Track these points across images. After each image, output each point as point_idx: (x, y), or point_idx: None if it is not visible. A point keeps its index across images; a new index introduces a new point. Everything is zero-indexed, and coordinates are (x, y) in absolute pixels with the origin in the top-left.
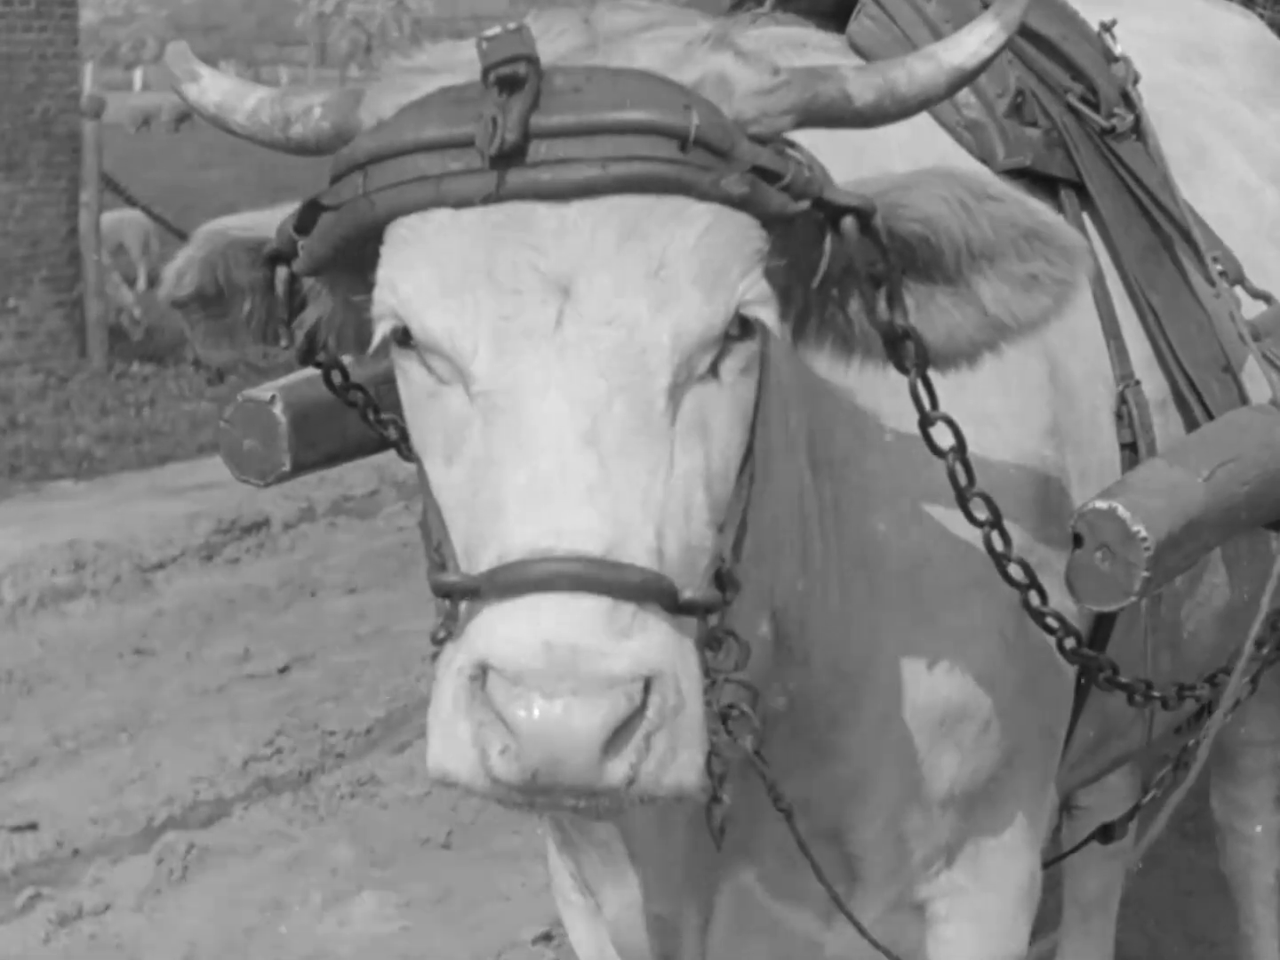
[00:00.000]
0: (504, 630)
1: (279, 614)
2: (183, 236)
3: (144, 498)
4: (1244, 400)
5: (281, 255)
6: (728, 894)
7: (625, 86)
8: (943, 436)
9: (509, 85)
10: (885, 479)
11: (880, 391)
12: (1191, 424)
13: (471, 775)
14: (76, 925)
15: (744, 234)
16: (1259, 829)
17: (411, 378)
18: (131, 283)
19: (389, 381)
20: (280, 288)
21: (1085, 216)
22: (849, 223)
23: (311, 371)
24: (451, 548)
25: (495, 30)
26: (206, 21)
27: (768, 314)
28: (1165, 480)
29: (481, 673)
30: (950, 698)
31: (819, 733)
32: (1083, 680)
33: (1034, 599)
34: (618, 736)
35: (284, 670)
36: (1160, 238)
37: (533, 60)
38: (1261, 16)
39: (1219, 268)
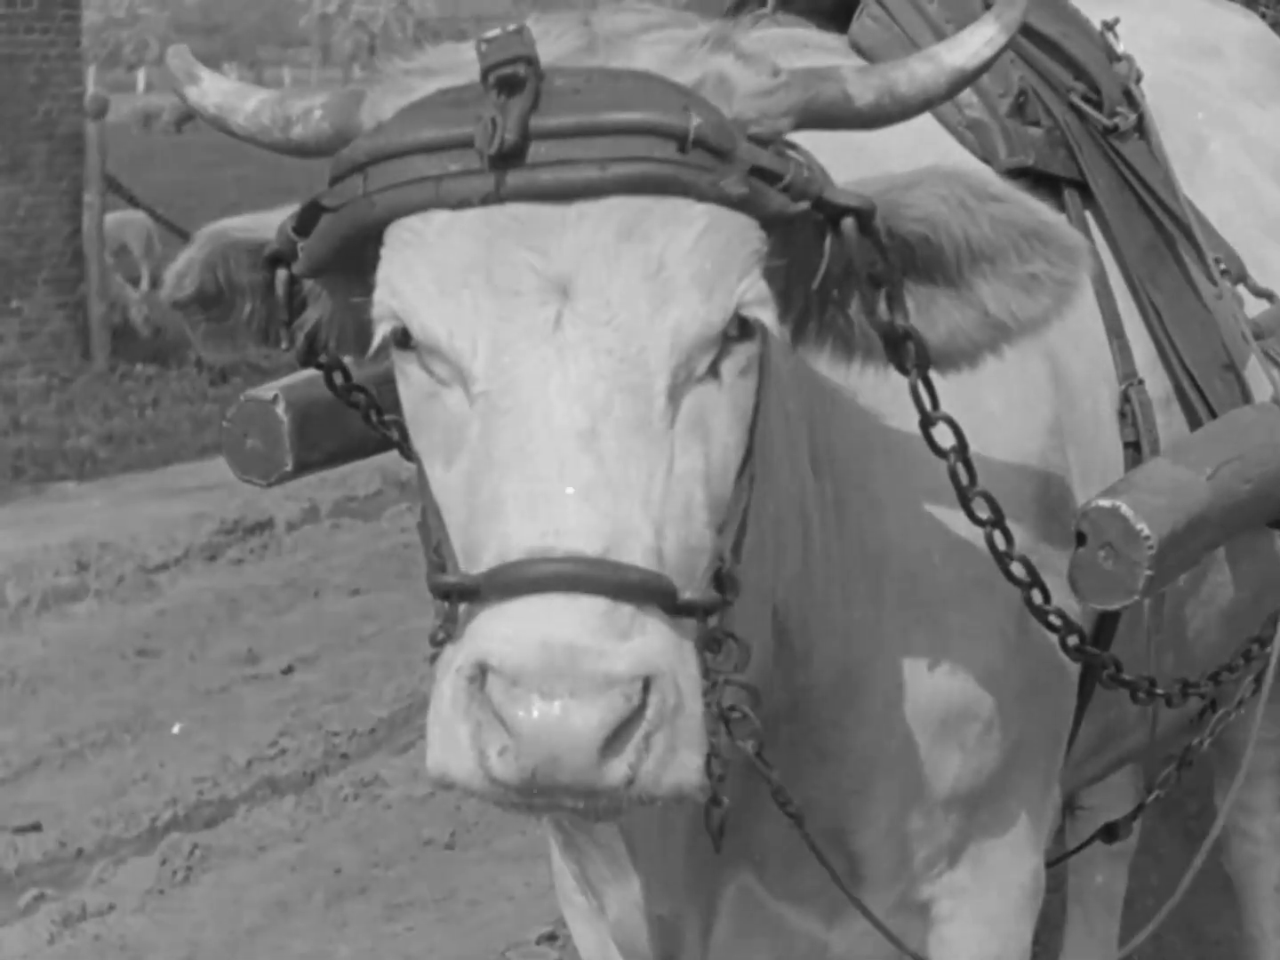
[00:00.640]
0: (502, 630)
1: (282, 615)
2: (185, 237)
3: (147, 498)
4: (1247, 399)
5: (281, 257)
6: (730, 895)
7: (625, 87)
8: (944, 437)
9: (508, 86)
10: (886, 479)
11: (881, 391)
12: (1194, 422)
13: (470, 776)
14: (80, 926)
15: (743, 235)
16: (1263, 828)
17: (411, 379)
18: (135, 283)
19: (390, 382)
20: (280, 289)
21: (1088, 216)
22: (849, 223)
23: (315, 371)
24: (450, 548)
25: (495, 32)
26: (209, 22)
27: (767, 315)
28: (1168, 479)
29: (480, 673)
30: (952, 697)
31: (821, 733)
32: (1086, 679)
33: (1036, 597)
34: (617, 737)
35: (287, 671)
36: (1163, 236)
37: (532, 61)
38: (1264, 16)
39: (1221, 266)
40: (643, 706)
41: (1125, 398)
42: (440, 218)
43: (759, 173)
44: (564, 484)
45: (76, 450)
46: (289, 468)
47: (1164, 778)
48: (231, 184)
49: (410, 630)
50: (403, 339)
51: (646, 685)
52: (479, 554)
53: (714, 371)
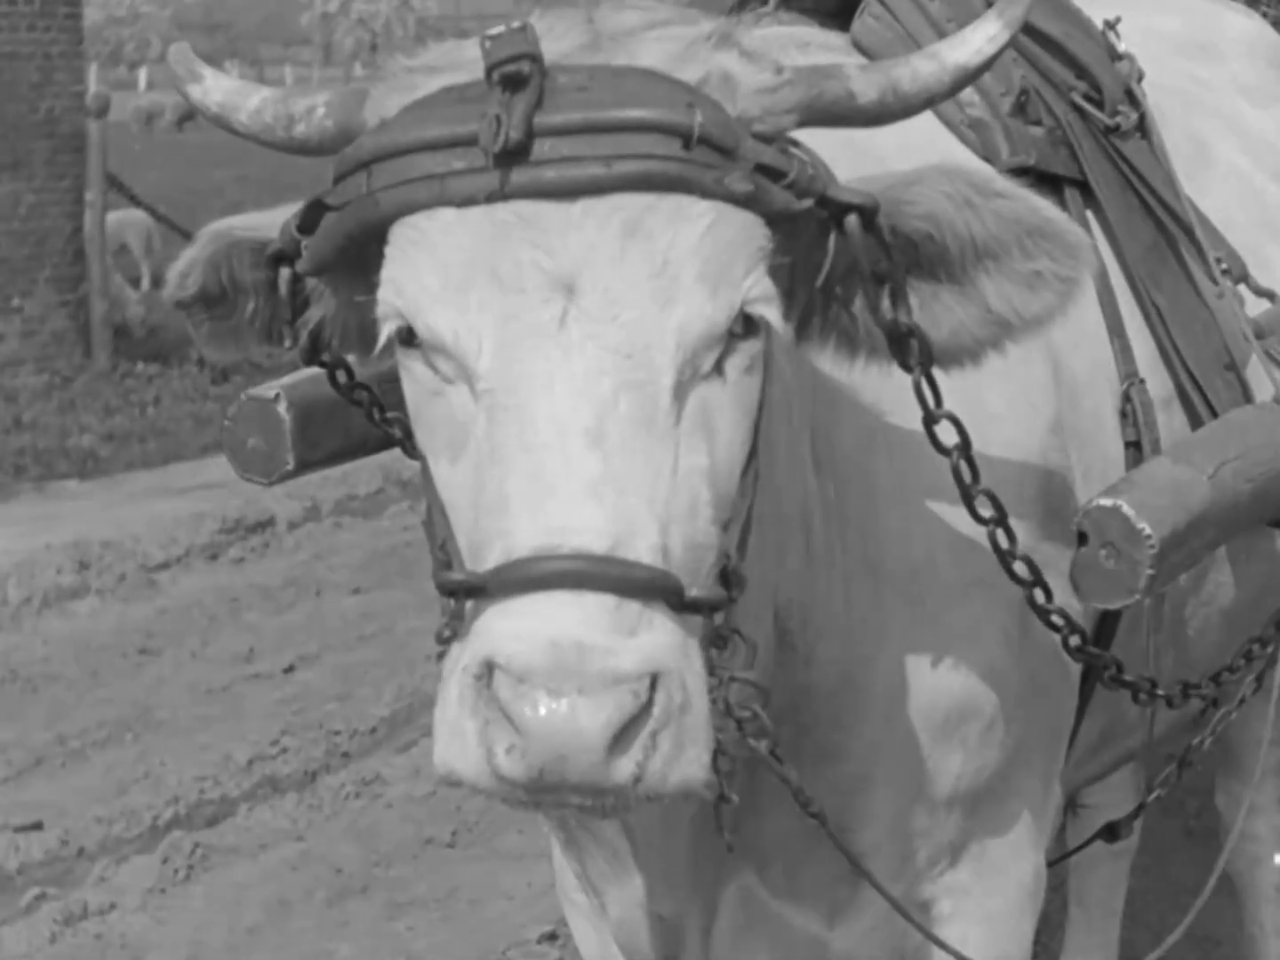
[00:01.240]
0: (509, 628)
1: (284, 613)
2: (187, 235)
3: (149, 497)
4: (1248, 398)
5: (285, 255)
6: (731, 894)
7: (629, 85)
8: (947, 435)
9: (512, 84)
10: (889, 477)
11: (883, 390)
12: (1195, 422)
13: (477, 773)
14: (82, 925)
15: (748, 232)
16: (1264, 828)
17: (416, 377)
18: (136, 283)
19: (393, 380)
20: (283, 288)
21: (1089, 215)
22: (852, 221)
23: (316, 370)
24: (456, 546)
25: (499, 29)
26: (210, 20)
27: (771, 312)
28: (1170, 478)
29: (487, 671)
30: (954, 696)
31: (822, 731)
32: (1087, 678)
33: (1039, 596)
34: (624, 734)
35: (289, 670)
36: (1164, 236)
37: (536, 59)
38: (1265, 15)
39: (1223, 266)
40: (650, 704)
41: (1126, 397)
42: (445, 215)
43: (763, 170)
44: (570, 481)
45: (78, 449)
46: (290, 466)
47: (1164, 777)
48: (233, 182)
49: (412, 629)
50: (407, 337)
51: (653, 683)
52: (485, 551)
53: (719, 369)
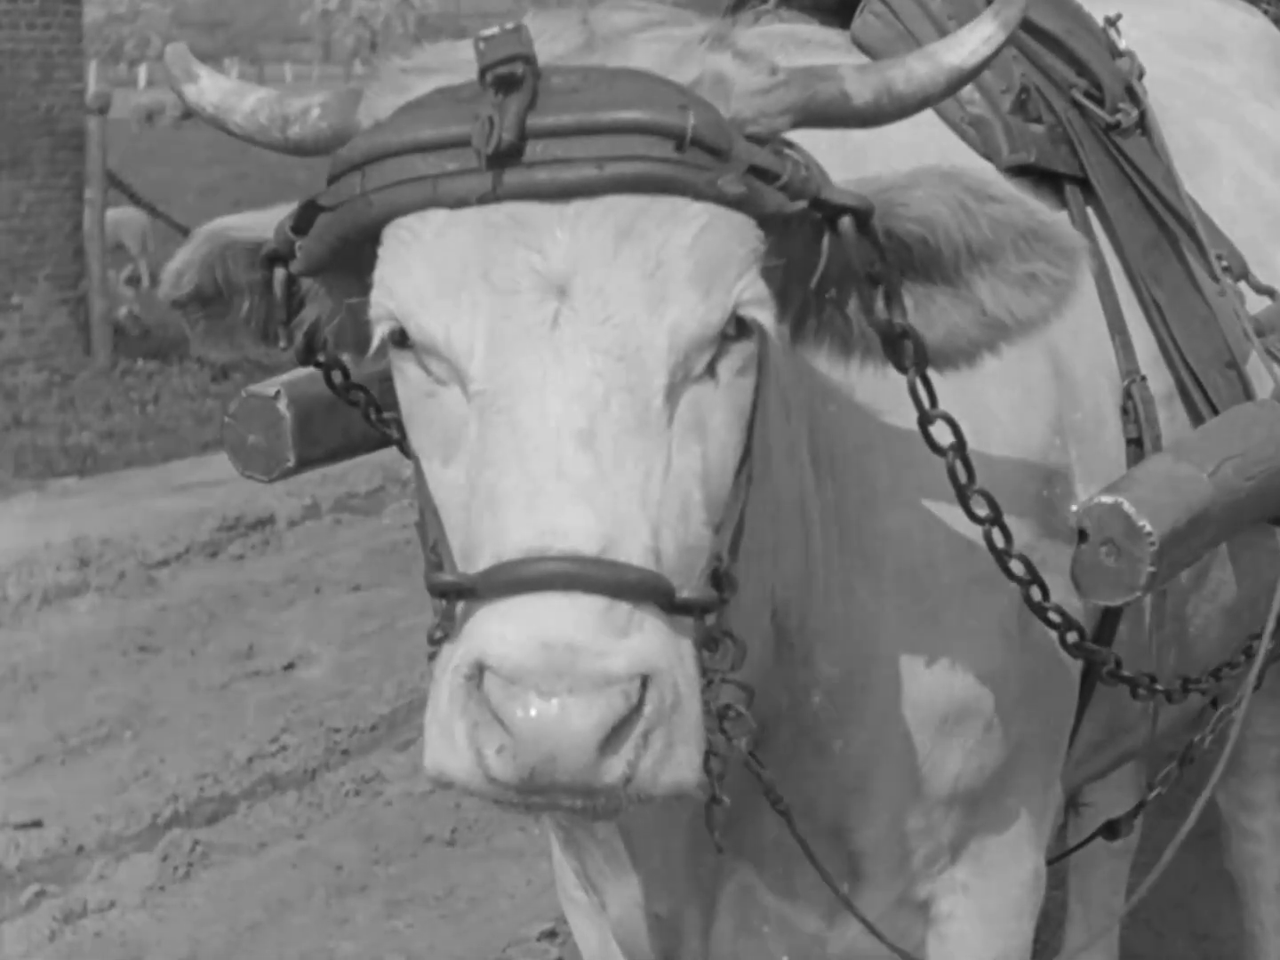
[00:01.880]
0: (500, 629)
1: (283, 611)
2: (186, 234)
3: (148, 495)
4: (1248, 395)
5: (279, 256)
6: (729, 893)
7: (622, 86)
8: (943, 435)
9: (506, 85)
10: (887, 476)
11: (881, 389)
12: (1196, 419)
13: (468, 775)
14: (81, 923)
15: (741, 234)
16: (1264, 826)
17: (409, 378)
18: (135, 281)
19: (389, 379)
20: (278, 288)
21: (1090, 212)
22: (846, 223)
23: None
24: (448, 547)
25: (493, 30)
26: (211, 18)
27: (764, 315)
28: (1170, 475)
29: (478, 672)
30: (953, 695)
31: (821, 731)
32: (1087, 676)
33: (1035, 594)
34: (615, 735)
35: (288, 667)
36: (1165, 233)
37: (530, 60)
38: (1266, 13)
39: (1223, 263)
40: (641, 704)
41: (1127, 394)
42: (438, 217)
43: (756, 172)
44: (561, 483)
45: (78, 446)
46: (290, 464)
47: (1165, 775)
48: (233, 180)
49: (411, 626)
50: (400, 338)
51: (644, 683)
52: (476, 553)
53: (711, 371)
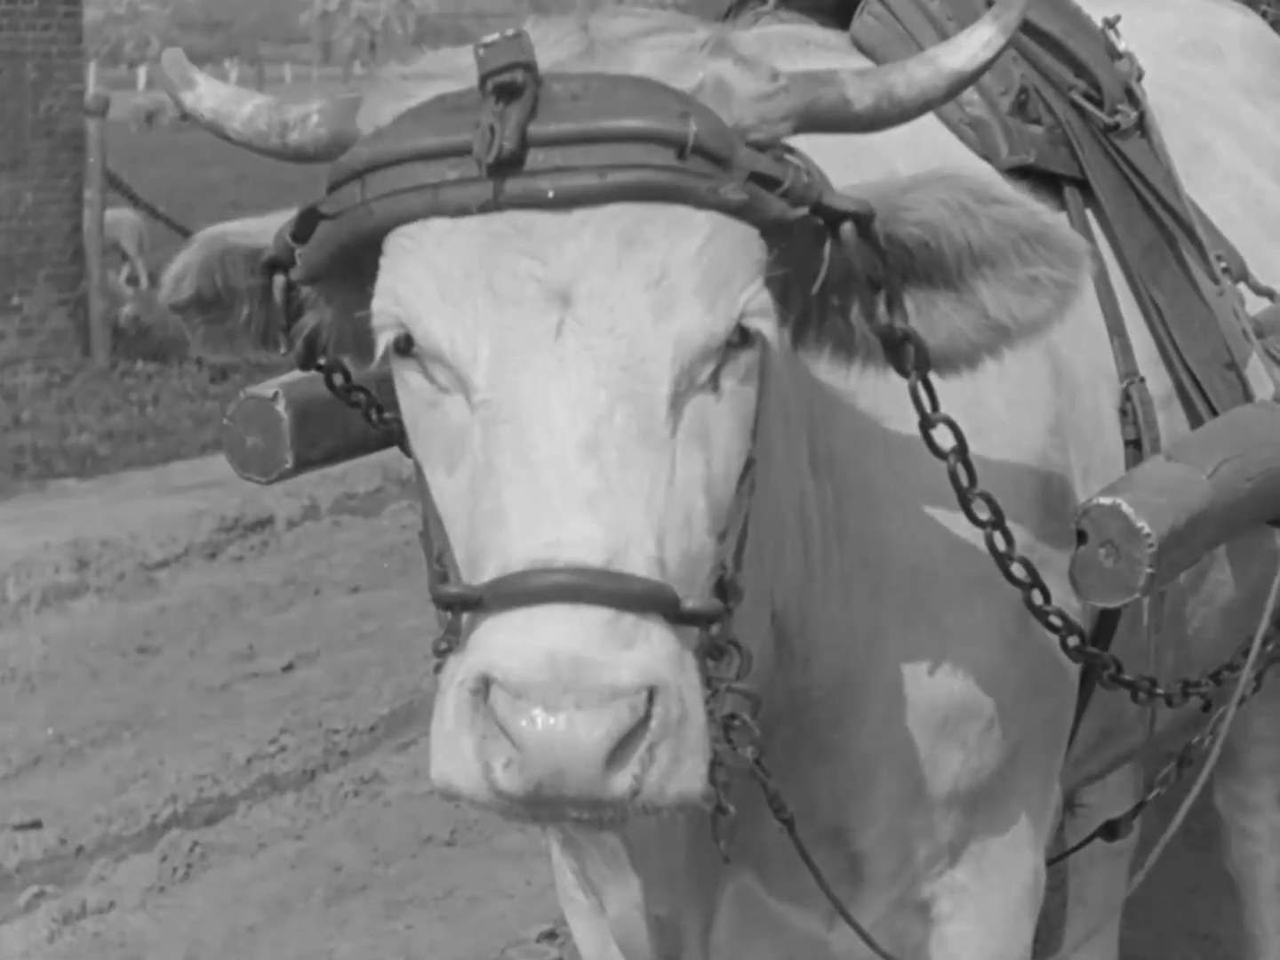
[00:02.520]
0: (506, 642)
1: (282, 612)
2: (186, 235)
3: (148, 496)
4: (1248, 397)
5: (279, 263)
6: (731, 895)
7: (623, 94)
8: (944, 438)
9: (506, 93)
10: (886, 479)
11: (880, 392)
12: (1195, 421)
13: (475, 788)
14: (80, 924)
15: (745, 244)
16: (1263, 826)
17: (412, 386)
18: (134, 282)
19: (390, 380)
20: (278, 295)
21: (1089, 214)
22: (848, 228)
23: None
24: (453, 557)
25: (493, 37)
26: (210, 19)
27: (767, 325)
28: (1169, 477)
29: (484, 685)
30: (953, 697)
31: (821, 733)
32: (1086, 677)
33: (1036, 598)
34: (622, 748)
35: (288, 668)
36: (1164, 235)
37: (530, 68)
38: (1264, 15)
39: (1223, 264)
40: (647, 717)
41: (1126, 396)
42: (439, 225)
43: (758, 178)
44: (566, 494)
45: (77, 447)
46: (289, 465)
47: (1164, 776)
48: (232, 181)
49: (411, 628)
50: (404, 346)
51: (651, 695)
52: (482, 563)
53: (715, 380)
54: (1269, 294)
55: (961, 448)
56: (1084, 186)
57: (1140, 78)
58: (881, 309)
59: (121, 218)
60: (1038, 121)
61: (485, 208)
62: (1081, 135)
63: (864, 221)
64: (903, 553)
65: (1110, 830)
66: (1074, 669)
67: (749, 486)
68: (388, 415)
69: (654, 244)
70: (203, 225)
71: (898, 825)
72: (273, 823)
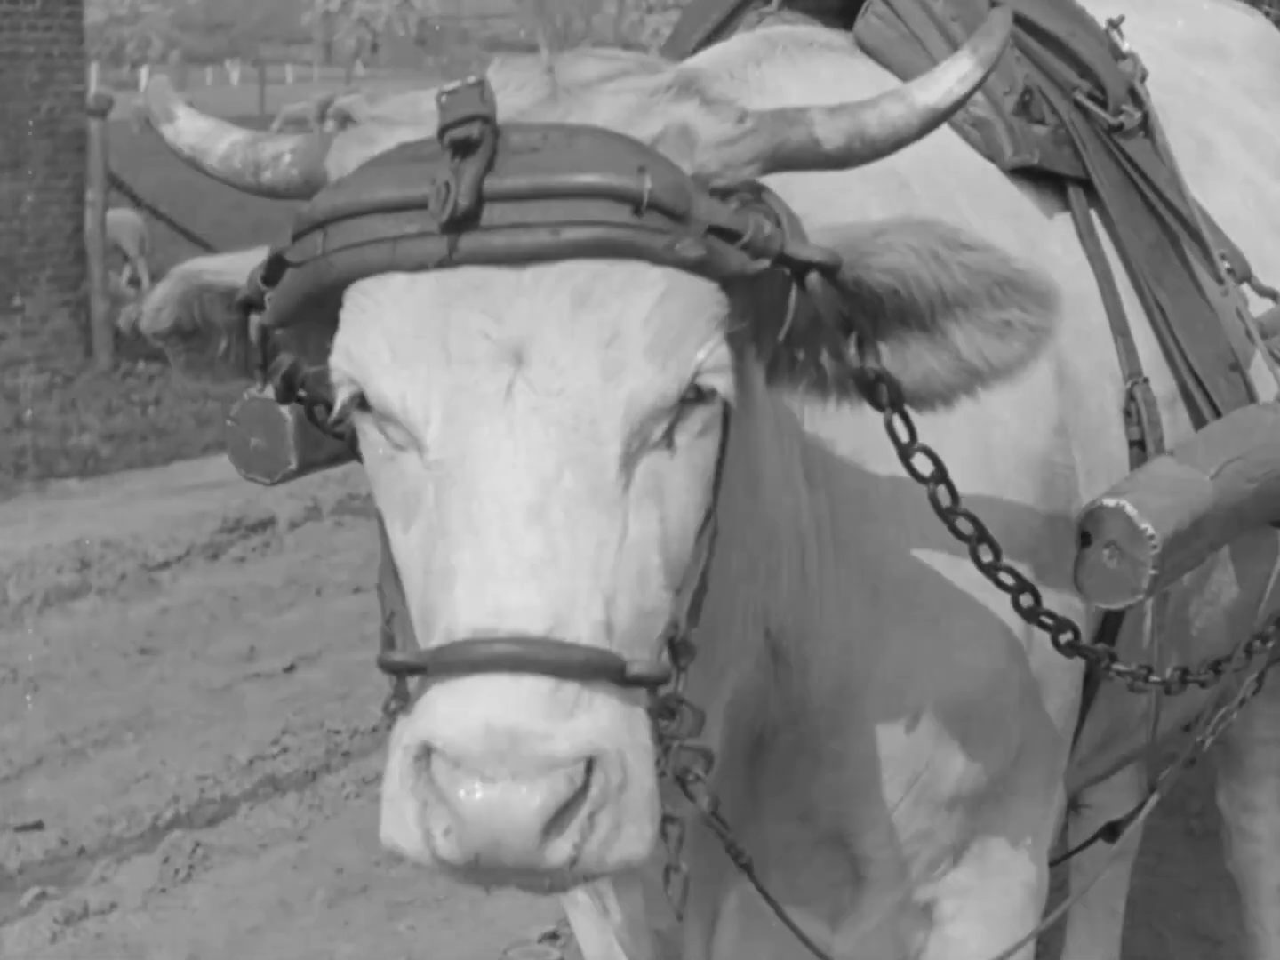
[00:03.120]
0: (446, 711)
1: (284, 613)
2: (188, 235)
3: (150, 496)
4: (1252, 398)
5: (253, 304)
6: (733, 901)
7: (581, 146)
8: (924, 464)
9: (463, 148)
10: (884, 488)
11: None
12: (1199, 421)
13: (418, 853)
14: (82, 924)
15: (701, 301)
16: (1265, 828)
17: (370, 441)
18: (136, 283)
19: None
20: (253, 334)
21: (1093, 214)
22: (814, 278)
23: None
24: (403, 619)
25: (455, 85)
26: (212, 20)
27: (723, 382)
28: (1173, 478)
29: (426, 753)
30: (956, 699)
31: (820, 740)
32: (1090, 677)
33: (1026, 600)
34: (560, 817)
35: (290, 669)
36: (1168, 235)
37: (489, 119)
38: (1268, 15)
39: (1227, 265)
40: (586, 786)
41: (1130, 396)
42: (397, 281)
43: (718, 231)
44: (510, 560)
45: (79, 448)
46: (293, 466)
47: (1165, 776)
48: None
49: None
50: (362, 402)
51: (590, 765)
52: (432, 624)
53: (670, 437)
54: (1272, 295)
55: (940, 472)
56: (1088, 187)
57: (1144, 78)
58: (852, 351)
59: (123, 219)
60: (1042, 122)
61: (441, 264)
62: (1085, 136)
63: (830, 271)
64: (902, 559)
65: (1112, 832)
66: (1077, 669)
67: (710, 536)
68: None
69: (607, 302)
70: (204, 226)
71: (900, 828)
72: (274, 824)
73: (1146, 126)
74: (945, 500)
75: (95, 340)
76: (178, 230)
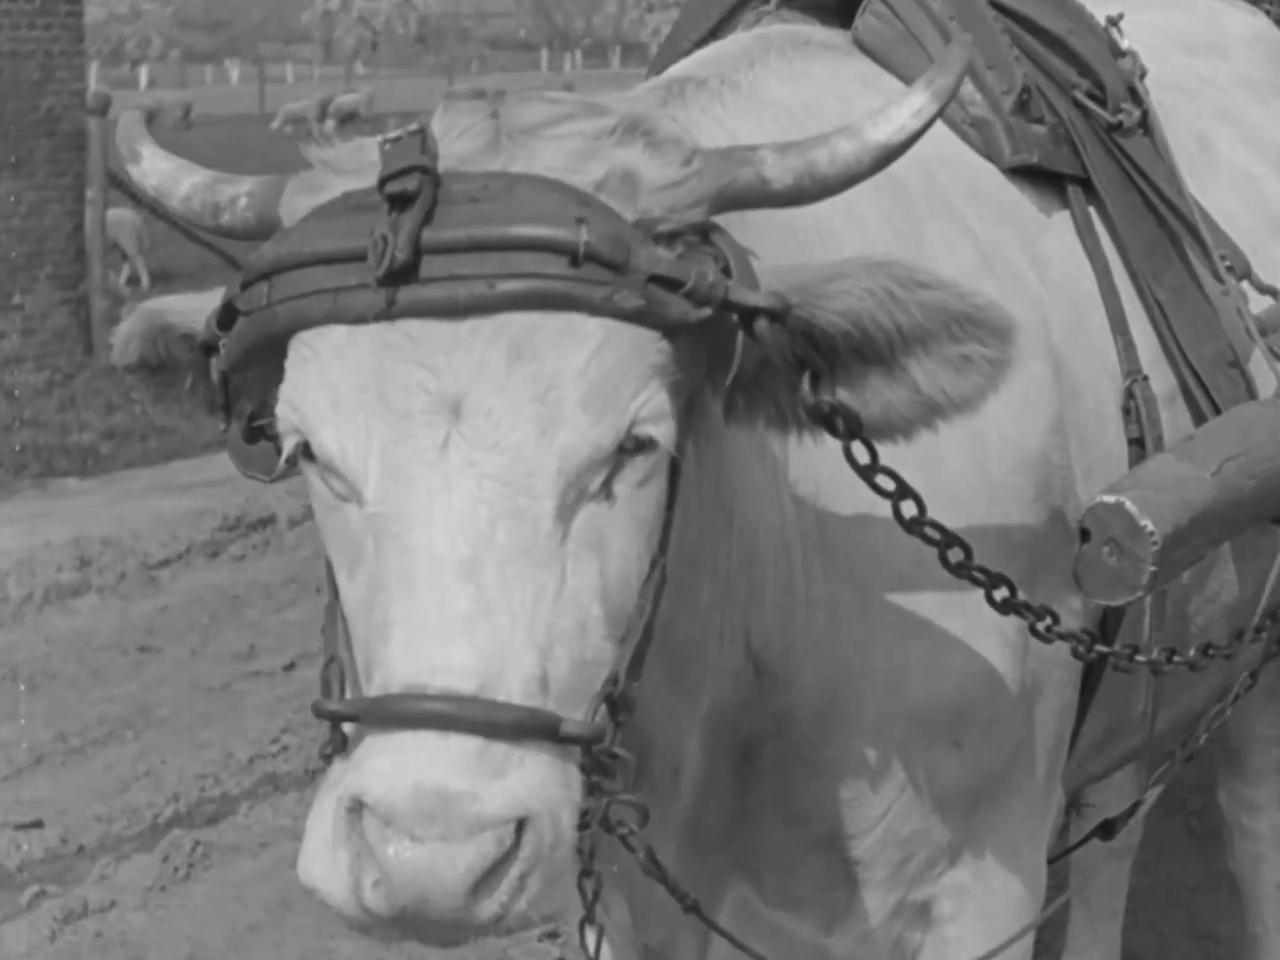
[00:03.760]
0: (378, 766)
1: (284, 611)
2: (187, 235)
3: (149, 494)
4: (1251, 395)
5: (211, 347)
6: (727, 907)
7: (520, 198)
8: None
9: (401, 201)
10: (872, 497)
11: None
12: (1199, 419)
13: (344, 901)
14: (82, 923)
15: (639, 350)
16: (1266, 826)
17: (316, 490)
18: (135, 282)
19: None
20: (215, 375)
21: (1092, 212)
22: (762, 324)
23: None
24: (340, 665)
25: (398, 133)
26: (211, 19)
27: (662, 431)
28: (1172, 475)
29: (359, 806)
30: (950, 701)
31: (808, 748)
32: (1089, 676)
33: (1001, 593)
34: (489, 877)
35: (289, 667)
36: (1167, 233)
37: (428, 170)
38: (1268, 13)
39: (1226, 263)
40: (517, 845)
41: (1129, 394)
42: (337, 333)
43: (659, 280)
44: (443, 616)
45: (79, 446)
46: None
47: (1161, 774)
48: None
49: None
50: (307, 451)
51: (521, 825)
52: (371, 673)
53: (608, 487)
54: (1272, 292)
55: (902, 489)
56: (1087, 185)
57: (1143, 76)
58: (807, 387)
59: (122, 217)
60: (1041, 121)
61: (379, 316)
62: (1085, 134)
63: (777, 317)
64: (893, 564)
65: (1107, 829)
66: (1075, 670)
67: (656, 583)
68: None
69: (542, 354)
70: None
71: (895, 830)
72: (274, 822)
73: (1146, 124)
74: (911, 511)
75: (95, 338)
76: (178, 229)
